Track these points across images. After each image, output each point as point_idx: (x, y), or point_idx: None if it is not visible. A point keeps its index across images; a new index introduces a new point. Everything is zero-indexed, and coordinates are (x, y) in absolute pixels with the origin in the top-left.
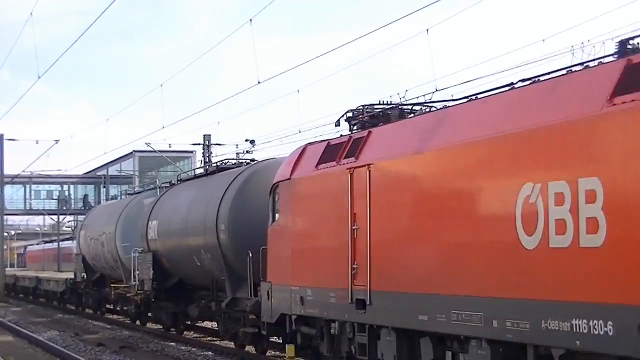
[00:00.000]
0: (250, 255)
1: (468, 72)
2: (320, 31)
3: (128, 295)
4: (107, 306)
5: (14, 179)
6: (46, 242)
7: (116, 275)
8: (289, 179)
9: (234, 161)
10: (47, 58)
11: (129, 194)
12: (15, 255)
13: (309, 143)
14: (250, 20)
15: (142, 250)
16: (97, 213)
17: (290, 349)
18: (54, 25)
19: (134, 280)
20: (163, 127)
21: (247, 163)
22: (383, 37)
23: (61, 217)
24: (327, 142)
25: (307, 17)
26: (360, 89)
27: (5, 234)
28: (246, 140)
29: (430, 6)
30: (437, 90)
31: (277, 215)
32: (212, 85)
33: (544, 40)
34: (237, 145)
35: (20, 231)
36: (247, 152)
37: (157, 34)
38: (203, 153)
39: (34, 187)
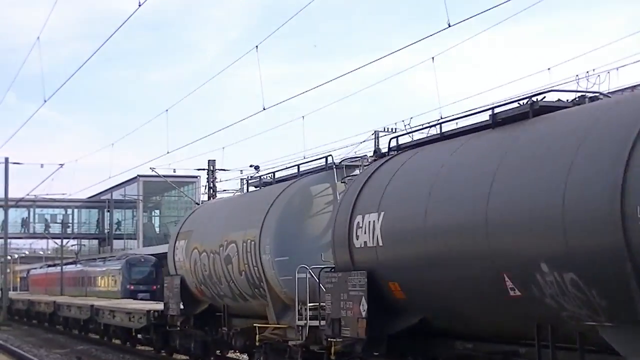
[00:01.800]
0: None
1: (473, 101)
2: (325, 58)
3: (291, 343)
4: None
5: (18, 202)
6: (49, 265)
7: (240, 308)
8: None
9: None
10: (53, 82)
11: (265, 183)
12: (19, 279)
13: None
14: (257, 46)
15: (332, 270)
16: (211, 212)
17: None
18: (60, 49)
19: (304, 319)
20: (168, 152)
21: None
22: (389, 65)
23: (64, 240)
24: None
25: (313, 44)
26: (365, 116)
27: (9, 257)
28: (250, 166)
29: (436, 35)
30: (442, 117)
31: None
32: (217, 111)
33: (549, 69)
34: (241, 170)
35: (23, 255)
36: (252, 178)
37: (163, 59)
38: (207, 178)
39: (37, 210)
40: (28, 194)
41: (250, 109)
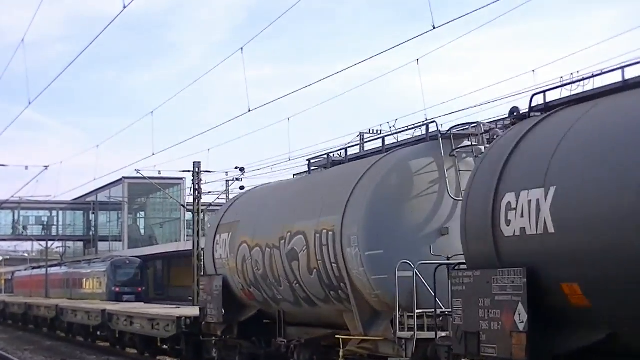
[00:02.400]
0: None
1: (458, 102)
2: (310, 60)
3: None
4: None
5: (3, 205)
6: (34, 268)
7: (303, 314)
8: None
9: None
10: (38, 84)
11: (335, 162)
12: (3, 281)
13: None
14: (242, 48)
15: (455, 267)
16: (264, 199)
17: None
18: (45, 51)
19: (405, 329)
20: (153, 154)
21: None
22: (374, 67)
23: (49, 242)
24: None
25: (298, 46)
26: (351, 118)
27: None
28: (236, 168)
29: (421, 37)
30: (427, 119)
31: None
32: (203, 113)
33: (534, 71)
34: (227, 172)
35: (8, 257)
36: (237, 179)
37: (148, 61)
38: (193, 180)
39: (22, 213)
40: (13, 196)
41: (236, 110)
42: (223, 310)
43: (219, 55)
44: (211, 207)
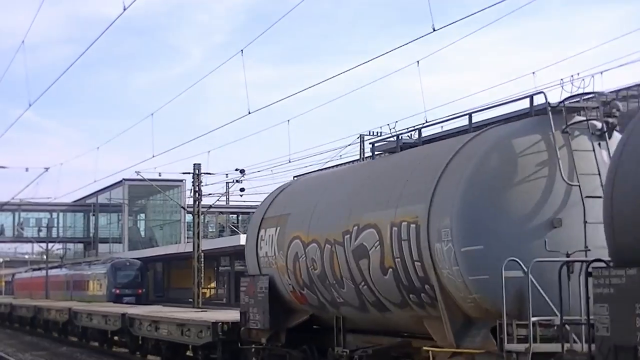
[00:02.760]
0: None
1: (458, 104)
2: (311, 62)
3: None
4: None
5: (3, 207)
6: (34, 269)
7: (368, 321)
8: None
9: None
10: (38, 86)
11: (406, 145)
12: (4, 283)
13: None
14: (242, 50)
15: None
16: (319, 188)
17: None
18: (45, 53)
19: (513, 341)
20: (153, 156)
21: None
22: (374, 68)
23: (50, 244)
24: None
25: (298, 48)
26: (351, 119)
27: None
28: (236, 170)
29: (421, 39)
30: (426, 121)
31: None
32: (203, 115)
33: (534, 72)
34: (227, 174)
35: (8, 259)
36: (237, 181)
37: (148, 63)
38: (193, 182)
39: (23, 214)
40: (13, 198)
41: (236, 112)
42: (269, 315)
43: (219, 57)
44: (211, 209)
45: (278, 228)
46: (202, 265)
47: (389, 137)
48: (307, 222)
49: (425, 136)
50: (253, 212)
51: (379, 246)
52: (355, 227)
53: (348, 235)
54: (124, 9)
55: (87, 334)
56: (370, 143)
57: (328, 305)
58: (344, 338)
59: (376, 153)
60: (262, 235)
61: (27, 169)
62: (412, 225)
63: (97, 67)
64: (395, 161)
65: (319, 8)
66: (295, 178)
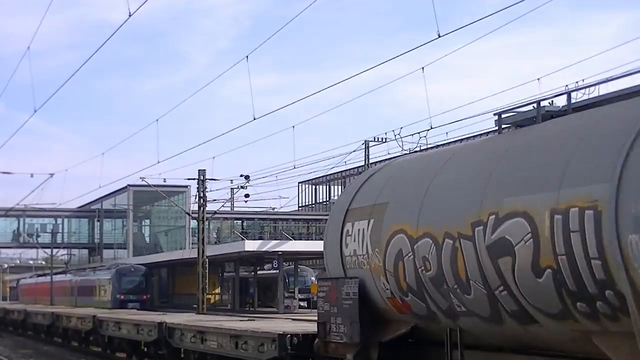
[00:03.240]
0: None
1: (463, 110)
2: (316, 68)
3: None
4: None
5: (8, 212)
6: (39, 275)
7: (493, 334)
8: None
9: None
10: (44, 91)
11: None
12: (9, 289)
13: None
14: (247, 56)
15: None
16: (429, 169)
17: None
18: (51, 59)
19: None
20: (158, 162)
21: None
22: (379, 75)
23: (54, 250)
24: None
25: (303, 54)
26: (356, 126)
27: None
28: (241, 176)
29: (426, 45)
30: (432, 127)
31: None
32: (208, 121)
33: (539, 79)
34: (231, 180)
35: (13, 264)
36: (242, 187)
37: (153, 69)
38: (198, 188)
39: (27, 220)
40: (18, 204)
41: (241, 118)
42: (358, 327)
43: (224, 63)
44: (216, 215)
45: (371, 221)
46: (207, 271)
47: (520, 107)
48: (416, 211)
49: (578, 101)
50: (258, 216)
51: (530, 240)
52: (493, 217)
53: (480, 227)
54: (130, 15)
55: (114, 344)
56: (495, 114)
57: (441, 315)
58: (462, 356)
59: (504, 126)
60: (347, 230)
61: (32, 175)
62: (587, 211)
63: (103, 73)
64: (544, 133)
65: (324, 14)
66: (387, 161)
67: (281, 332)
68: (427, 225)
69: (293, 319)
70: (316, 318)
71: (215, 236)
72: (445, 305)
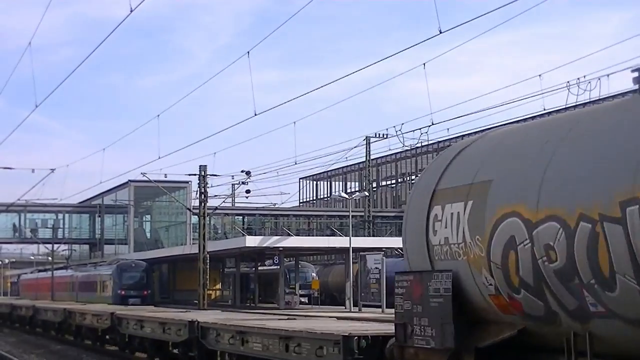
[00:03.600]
0: None
1: (464, 106)
2: (316, 64)
3: None
4: None
5: (9, 208)
6: (40, 271)
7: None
8: None
9: None
10: (45, 87)
11: None
12: (9, 284)
13: None
14: (248, 52)
15: None
16: (545, 138)
17: None
18: (52, 54)
19: None
20: (159, 158)
21: None
22: (380, 71)
23: (55, 245)
24: None
25: (304, 50)
26: (357, 122)
27: None
28: (242, 171)
29: (427, 41)
30: (433, 123)
31: None
32: (209, 116)
33: (540, 75)
34: (232, 176)
35: (13, 260)
36: (243, 183)
37: (154, 65)
38: (199, 184)
39: (28, 215)
40: (19, 199)
41: (242, 114)
42: (453, 329)
43: (225, 59)
44: (217, 211)
45: (470, 202)
46: (208, 266)
47: None
48: (534, 189)
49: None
50: (261, 212)
51: None
52: None
53: (635, 207)
54: (131, 11)
55: (134, 343)
56: (633, 70)
57: (564, 316)
58: None
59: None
60: (435, 215)
61: (33, 170)
62: None
63: (104, 68)
64: None
65: (325, 10)
66: (479, 134)
67: (347, 334)
68: (553, 206)
69: (338, 318)
70: (358, 316)
71: (222, 232)
72: (573, 305)
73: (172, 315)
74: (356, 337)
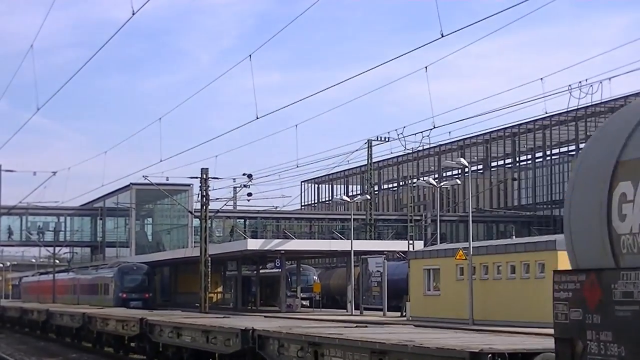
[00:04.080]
0: None
1: (466, 110)
2: (318, 67)
3: None
4: None
5: (11, 210)
6: (42, 273)
7: None
8: None
9: None
10: (47, 90)
11: None
12: (11, 287)
13: None
14: (250, 55)
15: None
16: None
17: None
18: (54, 57)
19: None
20: (161, 161)
21: None
22: (382, 74)
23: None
24: None
25: (306, 53)
26: (359, 125)
27: (1, 265)
28: (244, 175)
29: (429, 44)
30: (434, 127)
31: None
32: (211, 119)
33: (542, 78)
34: (234, 179)
35: (15, 262)
36: (245, 186)
37: (156, 68)
38: (200, 187)
39: (30, 218)
40: (20, 202)
41: (244, 117)
42: None
43: (228, 62)
44: (219, 214)
45: None
46: (209, 269)
47: None
48: None
49: None
50: (262, 215)
51: None
52: None
53: None
54: (133, 14)
55: (168, 353)
56: None
57: None
58: None
59: None
60: (624, 194)
61: (34, 173)
62: None
63: (106, 71)
64: None
65: (327, 14)
66: None
67: (476, 350)
68: None
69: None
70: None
71: (229, 234)
72: None
73: (218, 322)
74: (490, 355)
